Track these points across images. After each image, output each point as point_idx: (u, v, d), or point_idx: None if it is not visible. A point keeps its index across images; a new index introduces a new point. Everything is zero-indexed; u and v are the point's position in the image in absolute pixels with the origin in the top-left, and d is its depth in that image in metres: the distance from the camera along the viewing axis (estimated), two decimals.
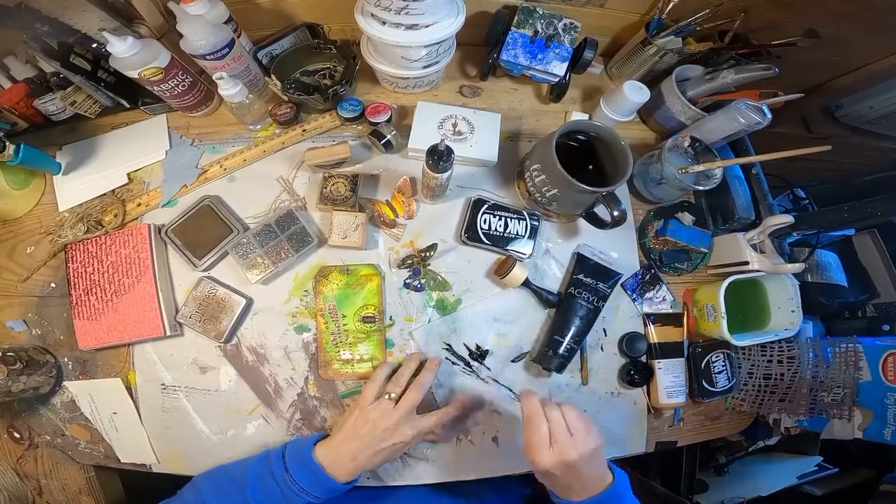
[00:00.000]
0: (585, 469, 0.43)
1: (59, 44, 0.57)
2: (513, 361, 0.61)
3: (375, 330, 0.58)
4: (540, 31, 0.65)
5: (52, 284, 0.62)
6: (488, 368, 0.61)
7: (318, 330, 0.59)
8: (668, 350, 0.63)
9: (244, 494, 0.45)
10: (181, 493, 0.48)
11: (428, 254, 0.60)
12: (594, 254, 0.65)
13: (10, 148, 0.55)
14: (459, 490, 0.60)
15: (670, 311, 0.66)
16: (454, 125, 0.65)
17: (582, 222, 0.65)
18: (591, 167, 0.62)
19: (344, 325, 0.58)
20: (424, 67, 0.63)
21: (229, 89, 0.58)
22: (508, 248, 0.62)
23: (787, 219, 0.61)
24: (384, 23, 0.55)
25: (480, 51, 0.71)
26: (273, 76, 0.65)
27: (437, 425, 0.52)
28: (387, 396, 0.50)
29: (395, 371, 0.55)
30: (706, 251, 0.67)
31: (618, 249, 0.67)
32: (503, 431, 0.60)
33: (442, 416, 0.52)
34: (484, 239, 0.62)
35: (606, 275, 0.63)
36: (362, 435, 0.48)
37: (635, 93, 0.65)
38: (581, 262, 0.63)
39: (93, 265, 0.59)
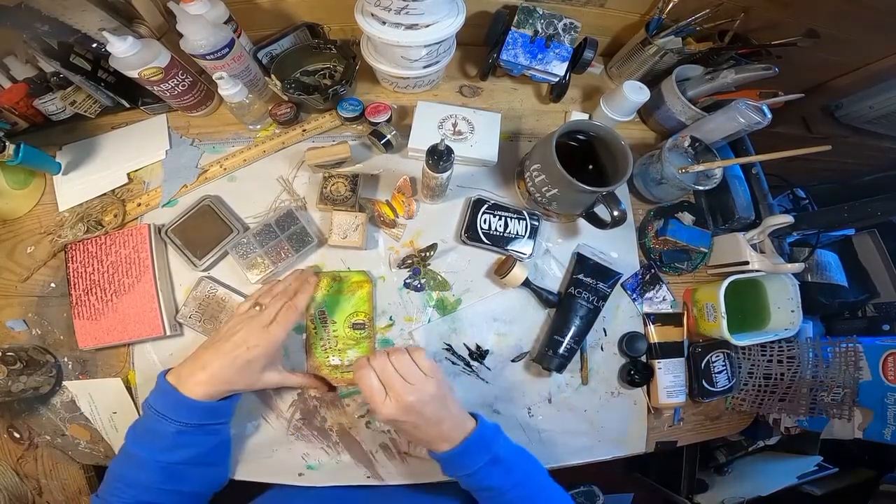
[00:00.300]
0: (433, 413, 0.42)
1: (59, 44, 0.57)
2: (513, 361, 0.61)
3: (365, 337, 0.58)
4: (540, 30, 0.65)
5: (52, 284, 0.62)
6: (488, 368, 0.61)
7: (307, 334, 0.58)
8: (668, 350, 0.63)
9: (126, 445, 0.44)
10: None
11: (428, 254, 0.60)
12: (594, 253, 0.65)
13: (10, 148, 0.55)
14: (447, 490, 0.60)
15: (670, 310, 0.66)
16: (454, 125, 0.65)
17: (582, 222, 0.65)
18: (591, 167, 0.62)
19: (334, 331, 0.58)
20: (424, 67, 0.63)
21: (229, 89, 0.58)
22: (508, 248, 0.62)
23: (787, 219, 0.61)
24: (384, 22, 0.55)
25: (480, 51, 0.71)
26: (273, 76, 0.65)
27: (288, 324, 0.48)
28: (256, 307, 0.48)
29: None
30: (706, 251, 0.67)
31: (618, 249, 0.67)
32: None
33: (289, 315, 0.48)
34: (484, 239, 0.62)
35: (606, 274, 0.63)
36: (217, 340, 0.46)
37: (635, 93, 0.65)
38: (581, 262, 0.63)
39: (93, 265, 0.59)
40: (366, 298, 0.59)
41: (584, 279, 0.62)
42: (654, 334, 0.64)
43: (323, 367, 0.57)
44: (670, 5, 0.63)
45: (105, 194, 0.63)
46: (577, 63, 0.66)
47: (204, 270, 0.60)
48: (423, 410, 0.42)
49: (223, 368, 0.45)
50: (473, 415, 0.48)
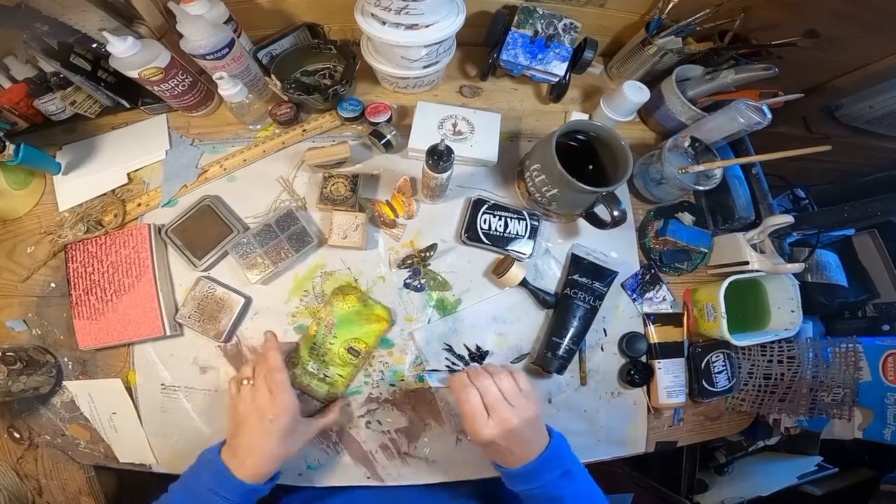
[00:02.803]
0: (527, 435, 0.43)
1: (59, 44, 0.57)
2: (512, 363, 0.61)
3: (353, 364, 0.58)
4: (540, 31, 0.65)
5: (52, 284, 0.62)
6: None
7: (306, 331, 0.58)
8: (668, 350, 0.63)
9: None
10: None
11: (428, 254, 0.60)
12: (588, 253, 0.65)
13: (10, 148, 0.55)
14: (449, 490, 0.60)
15: (670, 311, 0.66)
16: (454, 125, 0.65)
17: (582, 222, 0.65)
18: (591, 167, 0.62)
19: (331, 343, 0.58)
20: (424, 67, 0.63)
21: (229, 89, 0.58)
22: (508, 248, 0.62)
23: (787, 219, 0.61)
24: (384, 23, 0.55)
25: (480, 51, 0.71)
26: (273, 76, 0.65)
27: (284, 379, 0.48)
28: (245, 382, 0.48)
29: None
30: (706, 251, 0.67)
31: (618, 249, 0.67)
32: None
33: (331, 417, 0.51)
34: (484, 239, 0.62)
35: (602, 273, 0.63)
36: (246, 423, 0.46)
37: (635, 93, 0.65)
38: (576, 262, 0.63)
39: (93, 265, 0.59)
40: (376, 334, 0.58)
41: (580, 279, 0.62)
42: (654, 334, 0.64)
43: (299, 366, 0.57)
44: (670, 5, 0.63)
45: (105, 194, 0.63)
46: (577, 63, 0.66)
47: (204, 270, 0.60)
48: (521, 433, 0.42)
49: (263, 446, 0.45)
50: (548, 429, 0.47)
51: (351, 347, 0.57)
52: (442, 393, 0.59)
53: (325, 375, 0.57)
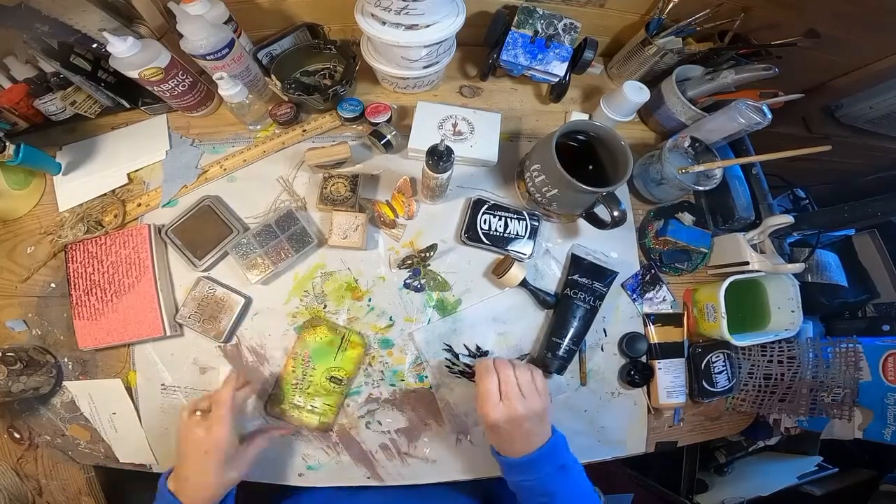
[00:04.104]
0: (531, 427, 0.45)
1: (59, 44, 0.57)
2: None
3: (339, 392, 0.58)
4: (540, 31, 0.65)
5: (52, 284, 0.62)
6: None
7: (283, 370, 0.58)
8: (668, 350, 0.63)
9: None
10: None
11: (428, 254, 0.60)
12: (588, 253, 0.65)
13: (10, 148, 0.55)
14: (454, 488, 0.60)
15: (670, 311, 0.66)
16: (454, 125, 0.65)
17: (582, 222, 0.65)
18: (591, 167, 0.62)
19: (311, 376, 0.57)
20: (424, 67, 0.63)
21: (229, 89, 0.58)
22: (508, 248, 0.62)
23: (787, 219, 0.61)
24: (384, 23, 0.55)
25: (480, 51, 0.71)
26: (273, 76, 0.65)
27: (231, 408, 0.49)
28: (196, 413, 0.50)
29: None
30: (706, 251, 0.66)
31: (618, 249, 0.67)
32: None
33: (253, 448, 0.51)
34: (484, 239, 0.62)
35: (602, 274, 0.63)
36: (187, 453, 0.47)
37: (635, 93, 0.64)
38: (576, 263, 0.63)
39: (93, 265, 0.59)
40: (354, 361, 0.58)
41: (580, 279, 0.62)
42: (654, 335, 0.64)
43: (286, 401, 0.57)
44: (670, 5, 0.63)
45: (105, 194, 0.63)
46: (577, 63, 0.66)
47: (204, 271, 0.60)
48: (524, 423, 0.45)
49: (201, 477, 0.46)
50: (552, 429, 0.49)
51: (332, 377, 0.57)
52: (442, 393, 0.59)
53: (313, 407, 0.57)
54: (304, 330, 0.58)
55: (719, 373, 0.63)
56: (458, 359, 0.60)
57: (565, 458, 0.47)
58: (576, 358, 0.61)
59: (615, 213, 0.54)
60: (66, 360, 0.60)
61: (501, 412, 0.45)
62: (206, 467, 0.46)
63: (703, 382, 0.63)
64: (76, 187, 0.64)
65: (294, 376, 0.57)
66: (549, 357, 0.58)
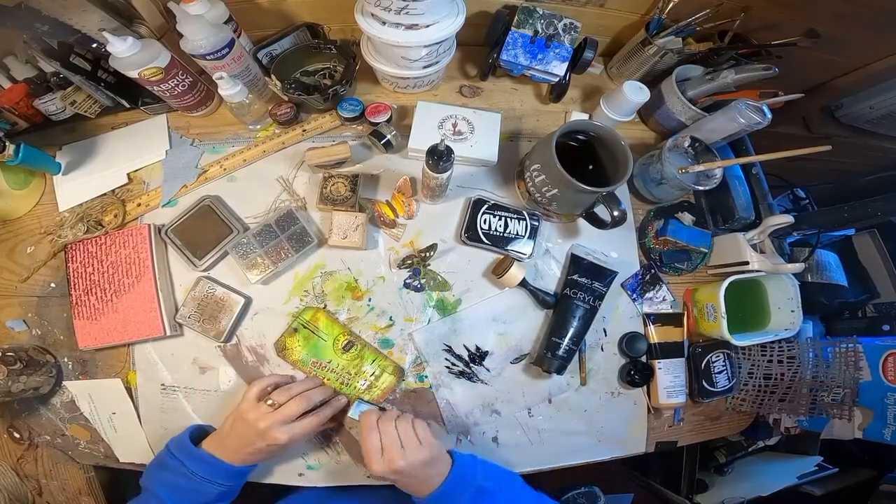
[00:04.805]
0: (419, 474, 0.47)
1: (59, 44, 0.57)
2: (512, 363, 0.61)
3: (362, 347, 0.58)
4: (540, 31, 0.65)
5: (52, 284, 0.62)
6: (488, 370, 0.60)
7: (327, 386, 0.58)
8: (668, 350, 0.63)
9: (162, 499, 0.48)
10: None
11: (428, 254, 0.60)
12: (588, 253, 0.65)
13: (10, 148, 0.55)
14: None
15: (670, 311, 0.66)
16: (454, 125, 0.65)
17: (582, 222, 0.65)
18: (591, 167, 0.62)
19: (336, 366, 0.58)
20: (424, 67, 0.63)
21: (229, 89, 0.58)
22: (508, 248, 0.62)
23: (787, 219, 0.61)
24: (384, 23, 0.55)
25: (480, 51, 0.71)
26: (273, 76, 0.65)
27: (312, 430, 0.52)
28: (267, 402, 0.51)
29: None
30: (706, 251, 0.67)
31: (618, 249, 0.67)
32: (503, 431, 0.60)
33: (314, 422, 0.52)
34: (484, 239, 0.62)
35: (602, 273, 0.63)
36: (239, 433, 0.50)
37: (635, 93, 0.64)
38: (575, 263, 0.63)
39: (93, 265, 0.59)
40: (331, 323, 0.59)
41: (580, 279, 0.62)
42: (654, 334, 0.64)
43: (356, 398, 0.58)
44: (670, 5, 0.63)
45: (105, 194, 0.63)
46: (577, 63, 0.66)
47: (204, 270, 0.60)
48: (410, 473, 0.46)
49: (252, 455, 0.50)
50: (449, 452, 0.51)
51: (343, 348, 0.58)
52: (442, 393, 0.59)
53: (374, 374, 0.58)
54: (286, 355, 0.58)
55: (719, 373, 0.63)
56: (458, 359, 0.60)
57: (479, 482, 0.48)
58: (576, 358, 0.61)
59: (615, 213, 0.54)
60: (65, 359, 0.60)
61: (382, 465, 0.46)
62: (259, 452, 0.50)
63: (703, 382, 0.63)
64: (76, 187, 0.64)
65: (333, 380, 0.58)
66: (549, 357, 0.58)
